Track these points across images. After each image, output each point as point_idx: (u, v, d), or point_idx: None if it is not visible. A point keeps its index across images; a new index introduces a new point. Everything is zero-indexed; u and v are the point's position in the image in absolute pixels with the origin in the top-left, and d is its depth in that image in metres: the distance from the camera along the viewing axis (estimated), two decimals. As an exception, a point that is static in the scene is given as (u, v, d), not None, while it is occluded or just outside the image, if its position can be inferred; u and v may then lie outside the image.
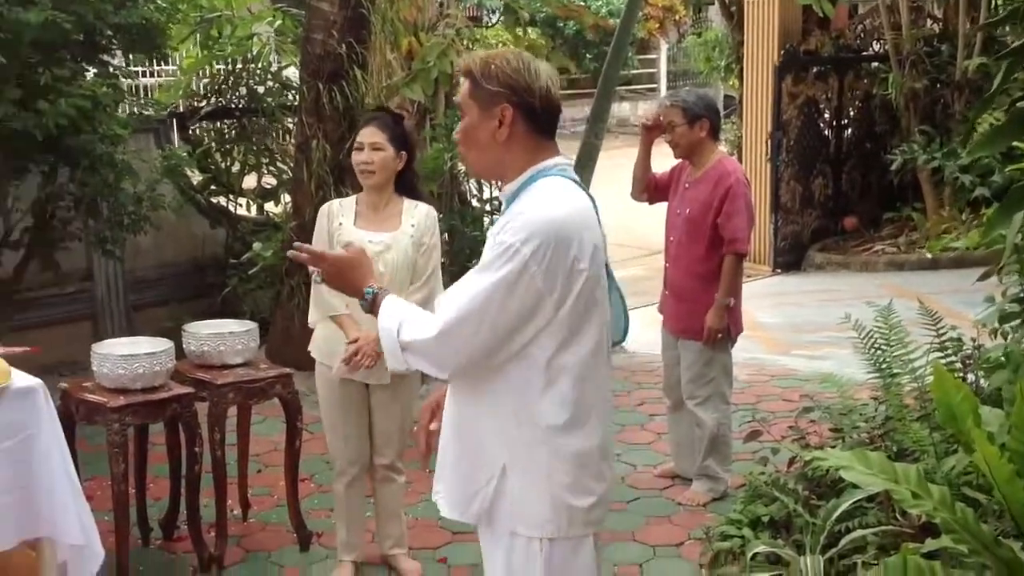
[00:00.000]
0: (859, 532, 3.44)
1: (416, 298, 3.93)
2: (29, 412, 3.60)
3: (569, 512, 2.45)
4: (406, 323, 2.42)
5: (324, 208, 4.11)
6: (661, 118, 4.87)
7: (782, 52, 10.27)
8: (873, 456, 2.73)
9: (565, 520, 2.45)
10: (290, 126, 7.96)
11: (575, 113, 24.31)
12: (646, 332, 6.67)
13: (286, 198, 7.81)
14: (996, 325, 3.91)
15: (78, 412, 4.12)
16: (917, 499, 2.65)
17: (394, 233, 3.98)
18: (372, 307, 2.51)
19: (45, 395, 3.65)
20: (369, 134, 3.95)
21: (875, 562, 3.31)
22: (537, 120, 2.44)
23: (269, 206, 8.10)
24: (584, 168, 7.36)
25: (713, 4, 19.06)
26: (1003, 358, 3.64)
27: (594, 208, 2.48)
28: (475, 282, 2.37)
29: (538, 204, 2.38)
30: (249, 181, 8.09)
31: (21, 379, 3.64)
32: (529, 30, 9.40)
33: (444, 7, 7.19)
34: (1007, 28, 8.45)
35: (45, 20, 5.01)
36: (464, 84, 2.49)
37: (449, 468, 2.56)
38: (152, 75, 9.75)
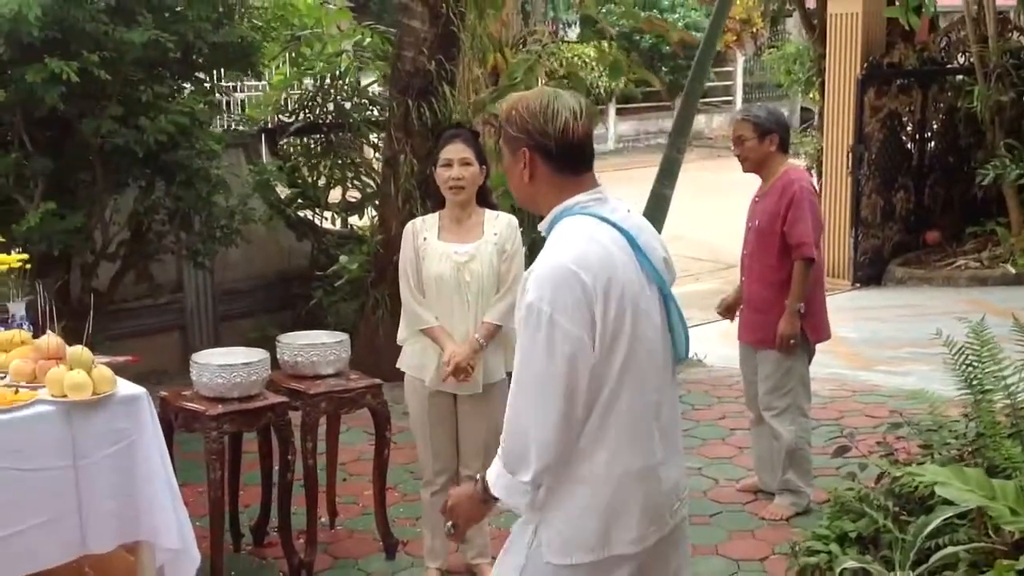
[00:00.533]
0: (951, 549, 3.42)
1: (501, 305, 4.04)
2: (133, 419, 3.74)
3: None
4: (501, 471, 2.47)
5: (408, 227, 4.23)
6: (732, 133, 4.95)
7: (865, 65, 10.18)
8: (971, 472, 2.73)
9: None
10: (375, 141, 8.11)
11: (648, 127, 24.32)
12: (724, 346, 6.68)
13: (370, 211, 7.96)
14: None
15: (177, 420, 4.26)
16: (1015, 515, 2.64)
17: (477, 243, 4.07)
18: (485, 493, 2.53)
19: (148, 403, 3.79)
20: (458, 150, 4.04)
21: (967, 580, 3.29)
22: (555, 160, 2.50)
23: (353, 219, 8.25)
24: (665, 182, 7.38)
25: (791, 16, 18.98)
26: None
27: (628, 239, 2.49)
28: (521, 373, 2.42)
29: (547, 254, 2.45)
30: (334, 195, 8.25)
31: (125, 387, 3.78)
32: (594, 44, 9.49)
33: (528, 24, 7.27)
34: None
35: (149, 39, 5.19)
36: (502, 128, 2.62)
37: None
38: (238, 91, 9.96)
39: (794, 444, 4.85)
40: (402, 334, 4.24)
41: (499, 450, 2.47)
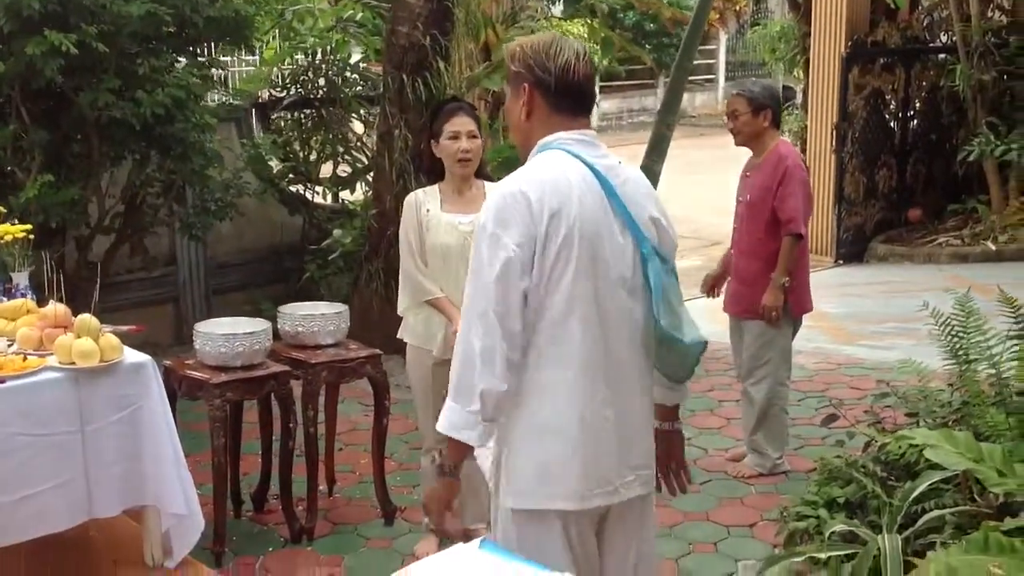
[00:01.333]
0: (937, 512, 3.53)
1: None
2: (140, 386, 3.82)
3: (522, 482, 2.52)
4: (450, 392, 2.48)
5: (409, 198, 4.27)
6: (727, 107, 5.03)
7: (849, 43, 10.27)
8: (960, 435, 2.83)
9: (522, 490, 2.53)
10: (366, 116, 8.15)
11: (631, 104, 24.38)
12: (711, 322, 6.78)
13: (362, 186, 8.01)
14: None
15: (181, 388, 4.32)
16: (1002, 477, 2.74)
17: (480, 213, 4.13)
18: (451, 458, 2.54)
19: (155, 370, 3.86)
20: (465, 123, 4.09)
21: (952, 541, 3.40)
22: (553, 97, 2.53)
23: (345, 194, 8.31)
24: (654, 158, 7.46)
25: (774, -5, 19.03)
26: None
27: (600, 180, 2.49)
28: (466, 293, 2.47)
29: (507, 178, 2.51)
30: (325, 169, 8.30)
31: (132, 355, 3.86)
32: (584, 21, 9.55)
33: (519, 0, 7.32)
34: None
35: (146, 12, 5.23)
36: (507, 68, 2.64)
37: None
38: (231, 65, 9.96)
39: (766, 406, 4.98)
40: (403, 304, 4.25)
41: (449, 389, 2.47)
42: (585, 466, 2.50)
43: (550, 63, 2.51)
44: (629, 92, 24.32)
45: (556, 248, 2.42)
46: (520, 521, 2.54)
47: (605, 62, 10.58)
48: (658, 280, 2.52)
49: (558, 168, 2.48)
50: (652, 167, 7.52)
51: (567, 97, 2.54)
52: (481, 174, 4.27)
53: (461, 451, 2.50)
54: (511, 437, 2.51)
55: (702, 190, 12.69)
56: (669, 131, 7.75)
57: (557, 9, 17.23)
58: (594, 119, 21.81)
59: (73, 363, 3.68)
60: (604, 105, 23.27)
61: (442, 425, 2.48)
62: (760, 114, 4.89)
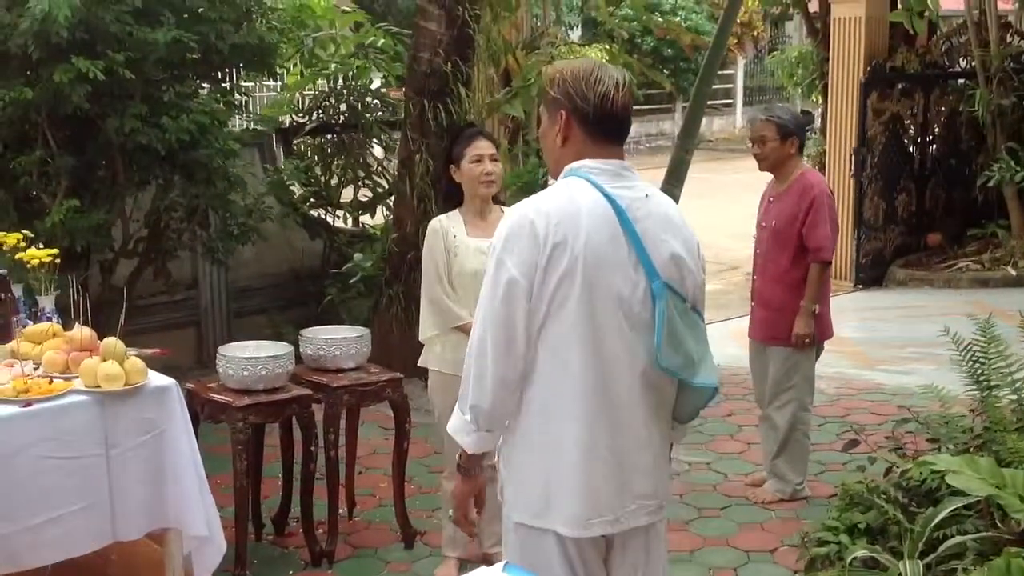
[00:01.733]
0: (959, 538, 3.53)
1: None
2: (163, 409, 3.84)
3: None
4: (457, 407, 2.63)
5: (434, 224, 4.27)
6: (752, 132, 5.03)
7: (868, 68, 10.29)
8: (982, 461, 2.83)
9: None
10: (387, 141, 8.22)
11: (649, 129, 24.45)
12: (730, 345, 6.80)
13: (383, 211, 8.06)
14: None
15: (203, 411, 4.36)
16: (1024, 504, 2.74)
17: None
18: (463, 457, 2.66)
19: (179, 394, 3.89)
20: (488, 147, 4.15)
21: (974, 567, 3.39)
22: (590, 126, 2.55)
23: (365, 218, 8.36)
24: (673, 182, 7.50)
25: (792, 20, 19.08)
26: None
27: (617, 212, 2.49)
28: (476, 314, 2.57)
29: (522, 202, 2.55)
30: (346, 194, 8.36)
31: (156, 378, 3.88)
32: (604, 47, 9.63)
33: (539, 27, 7.38)
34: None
35: (173, 39, 5.30)
36: (544, 94, 2.69)
37: None
38: (255, 91, 10.06)
39: (788, 432, 4.98)
40: (429, 331, 4.24)
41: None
42: (584, 492, 2.53)
43: (589, 92, 2.53)
44: (647, 116, 24.40)
45: (557, 277, 2.46)
46: (523, 535, 2.60)
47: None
48: (662, 319, 2.50)
49: (571, 197, 2.49)
50: (671, 191, 7.54)
51: (604, 126, 2.56)
52: (496, 200, 4.30)
53: (468, 452, 2.64)
54: (514, 453, 2.60)
55: (720, 214, 12.70)
56: (688, 155, 7.79)
57: (576, 35, 17.37)
58: (613, 144, 22.13)
59: (99, 386, 3.71)
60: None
61: (450, 425, 2.63)
62: (787, 140, 4.90)
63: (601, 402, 2.52)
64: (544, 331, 2.48)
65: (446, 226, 4.23)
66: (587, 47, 9.47)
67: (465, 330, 4.09)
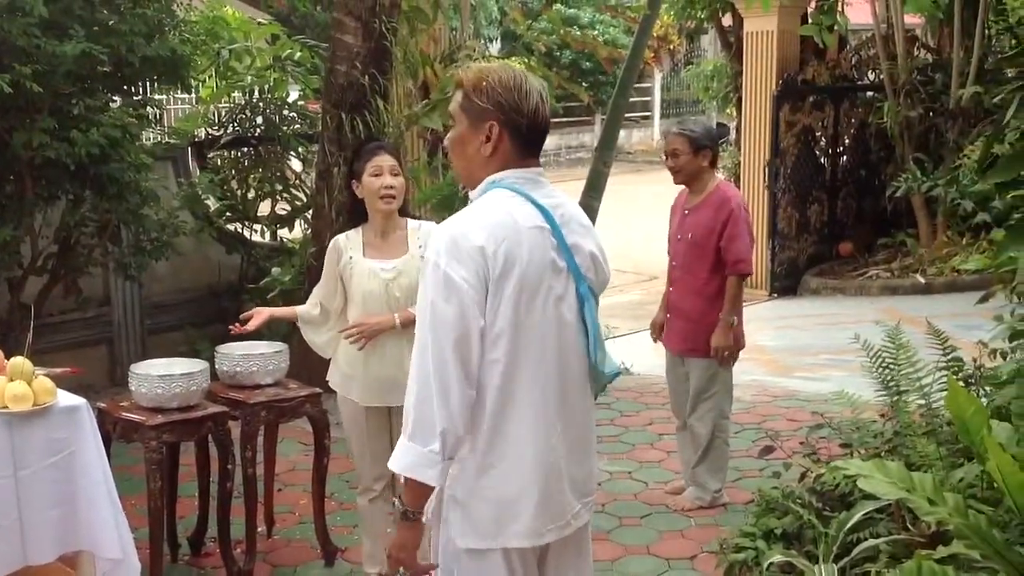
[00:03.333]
0: (872, 541, 3.60)
1: None
2: (74, 429, 3.75)
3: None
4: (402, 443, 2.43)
5: (332, 244, 4.24)
6: (666, 146, 5.09)
7: (780, 81, 10.50)
8: (892, 465, 2.90)
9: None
10: (304, 154, 8.15)
11: (569, 141, 24.64)
12: (649, 355, 6.86)
13: (301, 224, 7.99)
14: (1007, 343, 4.09)
15: (115, 430, 4.26)
16: (933, 506, 2.81)
17: (404, 258, 4.11)
18: (411, 501, 2.48)
19: (89, 413, 3.81)
20: (387, 160, 4.07)
21: (887, 570, 3.47)
22: (522, 138, 2.52)
23: (283, 232, 8.28)
24: (593, 194, 7.55)
25: (707, 34, 19.40)
26: (1010, 374, 3.82)
27: (549, 222, 2.50)
28: (417, 332, 2.43)
29: (455, 218, 2.49)
30: (263, 208, 8.27)
31: (66, 398, 3.80)
32: (522, 60, 9.70)
33: (458, 40, 7.39)
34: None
35: (82, 52, 5.19)
36: (457, 95, 2.56)
37: None
38: (168, 104, 9.91)
39: (710, 439, 5.04)
40: (323, 352, 4.32)
41: (403, 429, 2.42)
42: (541, 504, 2.52)
43: (523, 105, 2.49)
44: (567, 129, 24.59)
45: (507, 292, 2.42)
46: (468, 559, 2.53)
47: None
48: (594, 321, 2.57)
49: (507, 211, 2.47)
50: (591, 203, 7.61)
51: (533, 138, 2.55)
52: (404, 212, 4.27)
53: (422, 492, 2.46)
54: (464, 475, 2.49)
55: (639, 225, 12.84)
56: (607, 168, 7.85)
57: (495, 48, 17.41)
58: (532, 156, 22.29)
59: (6, 407, 3.61)
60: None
61: (400, 465, 2.42)
62: (700, 153, 4.97)
63: (556, 411, 2.52)
64: (496, 346, 2.43)
65: (343, 246, 4.19)
66: (506, 60, 9.50)
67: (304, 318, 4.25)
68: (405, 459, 2.40)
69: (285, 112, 8.17)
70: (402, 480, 2.47)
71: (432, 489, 2.46)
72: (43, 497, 3.68)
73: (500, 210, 2.47)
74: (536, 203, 2.51)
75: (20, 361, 3.74)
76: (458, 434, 2.41)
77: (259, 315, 4.32)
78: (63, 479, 3.73)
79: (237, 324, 4.27)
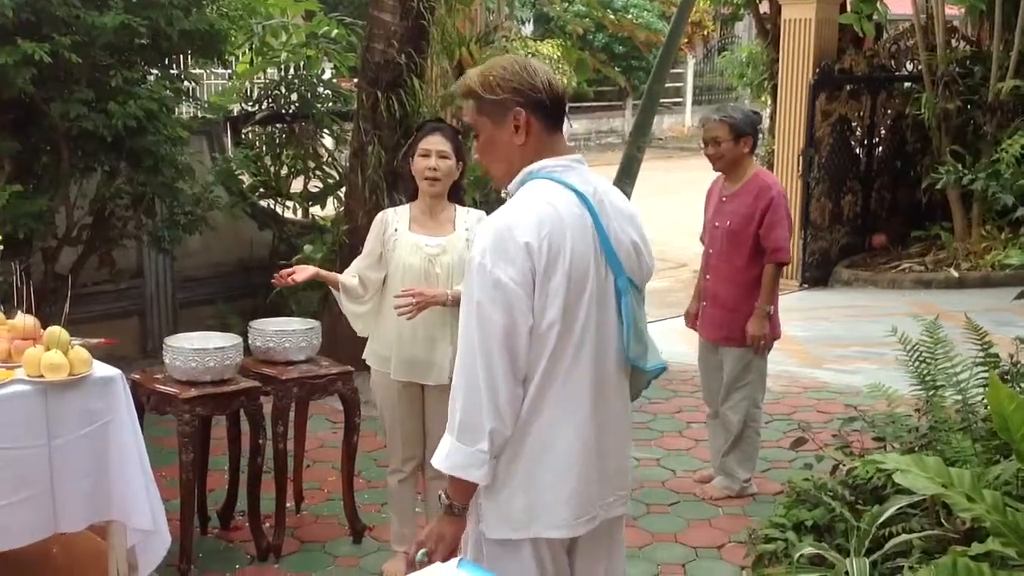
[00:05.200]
0: (905, 536, 3.57)
1: None
2: (108, 400, 3.77)
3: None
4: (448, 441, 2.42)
5: (379, 216, 4.28)
6: (705, 133, 5.02)
7: (817, 70, 10.39)
8: (929, 460, 2.86)
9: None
10: (338, 131, 8.14)
11: (600, 125, 24.53)
12: (678, 342, 6.83)
13: (333, 202, 7.99)
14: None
15: (149, 402, 4.28)
16: (971, 502, 2.78)
17: (449, 237, 4.14)
18: (459, 498, 2.46)
19: (124, 385, 3.82)
20: (437, 142, 4.08)
21: (920, 566, 3.43)
22: (547, 114, 2.49)
23: (315, 209, 8.28)
24: (625, 180, 7.51)
25: (742, 20, 19.23)
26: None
27: (590, 212, 2.47)
28: (462, 332, 2.40)
29: (499, 213, 2.44)
30: (296, 185, 8.28)
31: (101, 369, 3.81)
32: (559, 43, 9.64)
33: (493, 21, 7.36)
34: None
35: (121, 24, 5.20)
36: (468, 104, 2.53)
37: None
38: (204, 79, 9.92)
39: (741, 428, 5.01)
40: (356, 325, 4.33)
41: (448, 427, 2.41)
42: (574, 495, 2.50)
43: (536, 81, 2.48)
44: (598, 113, 24.47)
45: (553, 287, 2.39)
46: (500, 550, 2.52)
47: (575, 83, 10.67)
48: (630, 314, 2.52)
49: (548, 201, 2.43)
50: (624, 189, 7.48)
51: (558, 111, 2.52)
52: (458, 199, 4.27)
53: (468, 490, 2.45)
54: (498, 466, 2.46)
55: (670, 212, 12.75)
56: (640, 153, 7.80)
57: (527, 30, 17.38)
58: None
59: (41, 376, 3.63)
60: (573, 126, 23.42)
61: (446, 464, 2.41)
62: (741, 140, 4.91)
63: (592, 403, 2.50)
64: (543, 340, 2.41)
65: (390, 219, 4.22)
66: (540, 42, 9.46)
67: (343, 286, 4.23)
68: (452, 458, 2.40)
69: (319, 89, 8.16)
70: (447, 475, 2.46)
71: (476, 486, 2.44)
72: (76, 467, 3.70)
73: (542, 201, 2.43)
74: (576, 191, 2.48)
75: (57, 331, 3.76)
76: (506, 434, 2.40)
77: (304, 270, 4.33)
78: (96, 449, 3.75)
79: (280, 274, 4.27)
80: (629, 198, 7.58)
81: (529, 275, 2.37)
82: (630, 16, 20.59)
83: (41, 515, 3.65)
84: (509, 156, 2.51)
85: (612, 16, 8.88)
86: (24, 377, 3.64)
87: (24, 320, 3.89)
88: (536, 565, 2.52)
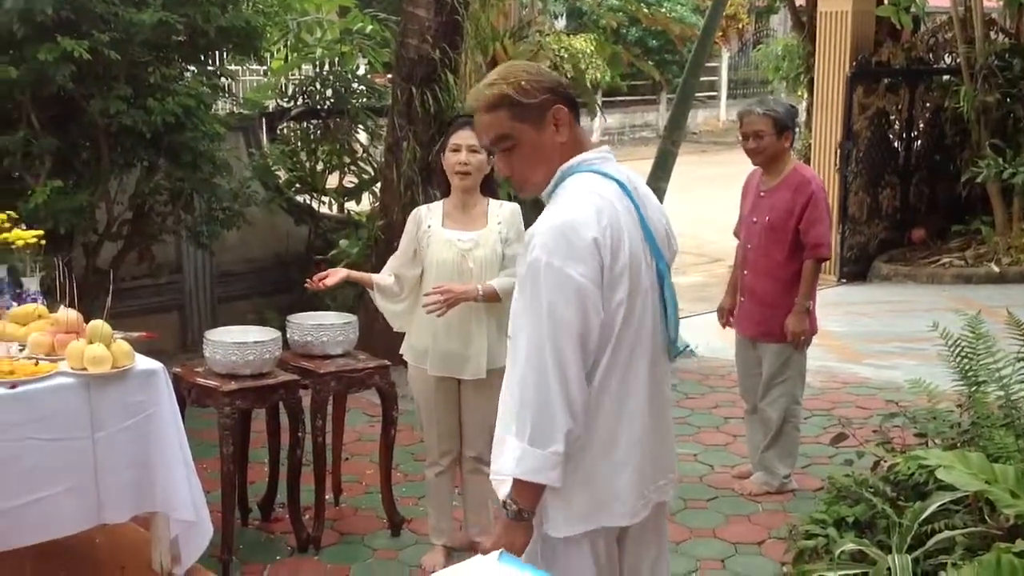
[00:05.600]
0: (948, 533, 3.53)
1: (506, 279, 4.05)
2: (151, 393, 3.82)
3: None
4: (507, 450, 2.37)
5: (413, 214, 4.30)
6: (746, 126, 4.96)
7: (854, 63, 10.30)
8: (973, 456, 2.83)
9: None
10: (373, 127, 8.17)
11: (634, 120, 24.44)
12: (715, 337, 6.80)
13: (368, 197, 8.02)
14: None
15: (190, 395, 4.32)
16: (1016, 498, 2.75)
17: (482, 231, 4.15)
18: (528, 502, 2.40)
19: (165, 377, 3.87)
20: (467, 136, 4.04)
21: (963, 563, 3.40)
22: (575, 105, 2.52)
23: (350, 205, 8.32)
24: (660, 175, 7.49)
25: (777, 13, 19.11)
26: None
27: (628, 196, 2.47)
28: (528, 333, 2.35)
29: (556, 210, 2.41)
30: (331, 180, 8.31)
31: (143, 362, 3.86)
32: (593, 37, 9.60)
33: (527, 15, 7.36)
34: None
35: (159, 21, 5.24)
36: (501, 114, 2.45)
37: None
38: (241, 75, 9.99)
39: (781, 424, 4.98)
40: (394, 322, 4.35)
41: (515, 433, 2.35)
42: (635, 482, 2.51)
43: (556, 77, 2.54)
44: (631, 108, 24.39)
45: (619, 278, 2.39)
46: (561, 547, 2.50)
47: (607, 77, 10.63)
48: (672, 297, 2.55)
49: (599, 193, 2.43)
50: (658, 184, 7.53)
51: (578, 105, 2.59)
52: (491, 192, 4.27)
53: (539, 493, 2.40)
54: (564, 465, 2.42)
55: (704, 207, 12.72)
56: (675, 148, 7.77)
57: (560, 24, 17.34)
58: (596, 134, 22.07)
59: (85, 369, 3.68)
60: (607, 120, 23.32)
61: (519, 470, 2.34)
62: (783, 135, 4.86)
63: (647, 389, 2.50)
64: (607, 333, 2.39)
65: (423, 216, 4.23)
66: (573, 36, 9.44)
67: (379, 285, 4.26)
68: (525, 463, 2.34)
69: (353, 85, 8.19)
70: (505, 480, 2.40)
71: (543, 488, 2.40)
72: (119, 458, 3.75)
73: (594, 194, 2.42)
74: (617, 181, 2.48)
75: (99, 324, 3.80)
76: (578, 433, 2.37)
77: (335, 273, 4.36)
78: (139, 441, 3.80)
79: (312, 279, 4.30)
80: (664, 193, 7.66)
81: (599, 271, 2.36)
82: (664, 10, 20.49)
83: (85, 506, 3.71)
84: (551, 157, 2.48)
85: (646, 10, 8.82)
86: (67, 370, 3.69)
87: (67, 314, 3.94)
88: (593, 558, 2.52)
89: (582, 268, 2.34)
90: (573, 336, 2.34)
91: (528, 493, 2.38)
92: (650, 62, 21.09)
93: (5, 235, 4.33)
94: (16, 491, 3.52)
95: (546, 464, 2.34)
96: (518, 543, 2.40)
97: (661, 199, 7.76)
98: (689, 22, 16.53)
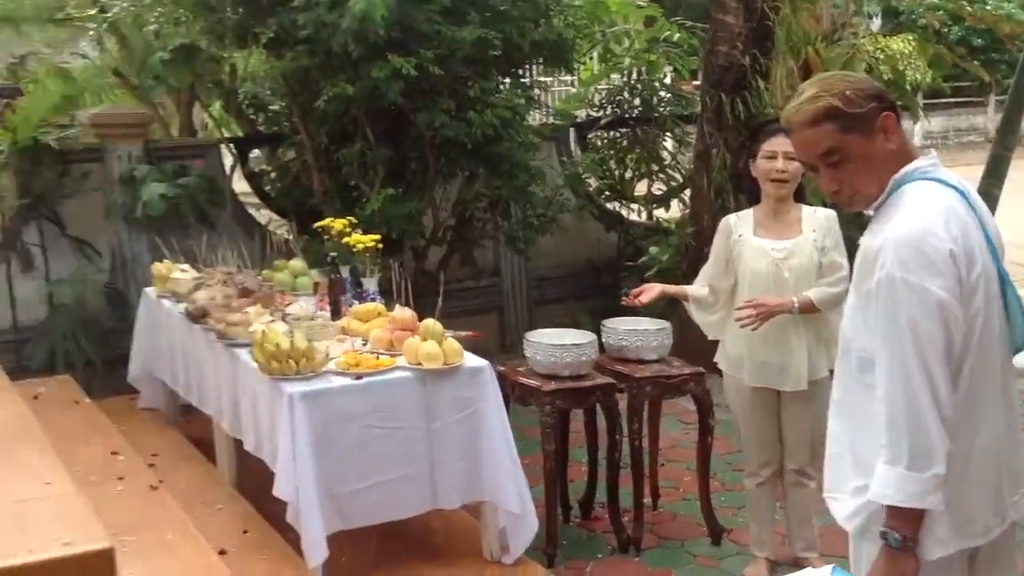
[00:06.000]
0: None
1: (825, 290, 3.93)
2: (478, 388, 4.01)
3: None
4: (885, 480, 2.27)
5: (722, 224, 4.21)
6: None
7: None
8: None
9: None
10: (680, 135, 8.16)
11: (959, 123, 23.05)
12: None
13: (677, 204, 8.01)
14: None
15: (513, 393, 4.46)
16: None
17: (796, 240, 4.00)
18: (912, 529, 2.29)
19: (492, 375, 4.04)
20: (783, 143, 3.89)
21: None
22: (899, 112, 2.39)
23: (659, 212, 8.34)
24: (993, 180, 7.04)
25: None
26: None
27: (968, 203, 2.34)
28: (888, 352, 2.25)
29: (903, 222, 2.27)
30: (639, 188, 8.37)
31: (471, 359, 4.05)
32: (912, 37, 9.09)
33: (840, 17, 7.11)
34: None
35: (478, 37, 5.48)
36: (827, 127, 2.35)
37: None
38: (552, 86, 10.29)
39: None
40: (708, 332, 4.30)
41: (888, 459, 2.25)
42: (993, 499, 2.38)
43: (875, 84, 2.43)
44: (955, 110, 23.03)
45: (976, 287, 2.28)
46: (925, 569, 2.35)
47: (929, 79, 10.04)
48: (1017, 301, 2.38)
49: (943, 202, 2.31)
50: (991, 190, 7.09)
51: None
52: (802, 199, 4.13)
53: (919, 519, 2.29)
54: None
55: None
56: (1009, 152, 7.27)
57: (875, 25, 16.63)
58: (918, 138, 20.93)
59: (420, 364, 3.90)
60: (931, 123, 22.12)
61: (900, 497, 2.25)
62: None
63: (1002, 399, 2.38)
64: (966, 345, 2.29)
65: (733, 224, 4.14)
66: (890, 37, 9.00)
67: (693, 296, 4.25)
68: (905, 490, 2.24)
69: (661, 93, 8.22)
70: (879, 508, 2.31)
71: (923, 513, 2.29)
72: (451, 449, 3.96)
73: (937, 203, 2.30)
74: (954, 187, 2.35)
75: (432, 323, 4.02)
76: (951, 451, 2.26)
77: (650, 290, 4.37)
78: (468, 434, 4.00)
79: (629, 295, 4.34)
80: (997, 199, 7.15)
81: (957, 283, 2.24)
82: (990, 7, 19.21)
83: (422, 491, 3.94)
84: (883, 167, 2.37)
85: (969, 8, 8.27)
86: (405, 364, 3.93)
87: (404, 312, 4.19)
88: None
89: (940, 281, 2.22)
90: (939, 352, 2.23)
91: (909, 520, 2.27)
92: (976, 62, 19.86)
93: (347, 239, 4.66)
94: (362, 474, 3.79)
95: (927, 487, 2.23)
96: (908, 574, 2.30)
97: (994, 206, 7.30)
98: (1019, 19, 15.35)
